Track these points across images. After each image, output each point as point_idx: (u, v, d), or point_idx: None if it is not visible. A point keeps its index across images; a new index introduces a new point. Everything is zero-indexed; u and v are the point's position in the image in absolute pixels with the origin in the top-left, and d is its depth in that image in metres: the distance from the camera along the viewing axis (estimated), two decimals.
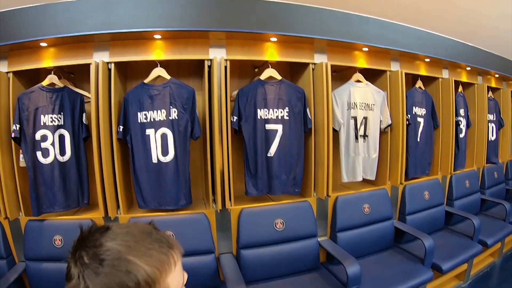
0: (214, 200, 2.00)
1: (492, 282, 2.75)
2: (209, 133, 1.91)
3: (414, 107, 2.63)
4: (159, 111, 1.82)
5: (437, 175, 2.85)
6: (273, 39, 2.12)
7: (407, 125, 2.58)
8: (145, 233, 0.48)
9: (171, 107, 1.82)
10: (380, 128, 2.45)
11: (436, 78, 2.79)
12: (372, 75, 2.53)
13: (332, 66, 2.15)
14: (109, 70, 1.78)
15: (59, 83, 1.88)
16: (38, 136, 1.82)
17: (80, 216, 1.90)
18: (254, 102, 2.03)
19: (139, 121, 1.83)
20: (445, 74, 2.91)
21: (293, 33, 2.07)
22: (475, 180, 3.15)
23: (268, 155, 2.10)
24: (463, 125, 3.04)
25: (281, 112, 2.08)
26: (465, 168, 3.16)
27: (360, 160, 2.38)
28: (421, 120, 2.68)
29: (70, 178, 1.89)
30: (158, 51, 1.99)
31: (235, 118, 1.98)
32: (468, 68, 3.03)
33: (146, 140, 1.82)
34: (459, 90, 3.02)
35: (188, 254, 1.38)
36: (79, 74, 2.01)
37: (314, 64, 2.14)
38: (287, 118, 2.09)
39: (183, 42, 2.01)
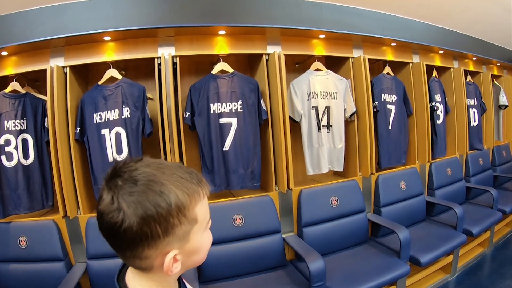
0: None
1: (482, 273, 2.46)
2: (161, 131, 1.82)
3: (383, 94, 2.42)
4: (112, 110, 1.78)
5: (414, 164, 2.60)
6: (222, 32, 2.01)
7: (375, 113, 2.36)
8: (177, 165, 0.47)
9: (123, 106, 1.78)
10: (344, 117, 2.23)
11: (406, 63, 2.57)
12: (335, 64, 2.34)
13: (290, 56, 2.05)
14: (65, 74, 1.75)
15: (21, 90, 1.85)
16: (1, 140, 1.80)
17: (43, 217, 1.83)
18: (206, 96, 1.92)
19: (94, 121, 1.79)
20: (415, 58, 2.69)
21: (241, 24, 1.93)
22: (457, 167, 2.88)
23: (224, 149, 1.97)
24: (440, 111, 2.80)
25: (235, 105, 1.96)
26: (446, 156, 2.90)
27: (325, 151, 2.18)
28: (391, 107, 2.46)
29: (34, 181, 1.86)
30: (109, 52, 1.93)
31: (188, 114, 1.89)
32: (441, 52, 2.80)
33: (101, 140, 1.79)
34: (433, 75, 2.79)
35: None
36: (44, 81, 1.92)
37: (268, 54, 2.00)
38: (241, 110, 1.96)
39: (133, 42, 1.95)
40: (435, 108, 2.68)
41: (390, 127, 2.45)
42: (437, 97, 2.79)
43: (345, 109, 2.25)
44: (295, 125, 2.18)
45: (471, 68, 3.18)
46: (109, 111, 1.78)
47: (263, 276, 1.89)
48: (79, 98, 1.84)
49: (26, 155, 1.83)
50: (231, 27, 1.94)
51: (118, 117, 1.78)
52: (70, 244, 1.80)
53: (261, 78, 2.02)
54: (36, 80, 2.00)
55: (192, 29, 1.89)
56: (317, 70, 2.20)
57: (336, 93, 2.21)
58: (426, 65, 2.73)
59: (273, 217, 2.01)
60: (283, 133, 1.98)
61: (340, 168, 2.23)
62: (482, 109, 3.22)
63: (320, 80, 2.19)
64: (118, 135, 1.79)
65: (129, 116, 1.79)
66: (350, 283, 1.75)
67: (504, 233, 2.95)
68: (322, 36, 2.17)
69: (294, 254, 2.06)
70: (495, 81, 3.44)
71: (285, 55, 2.02)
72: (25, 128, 1.83)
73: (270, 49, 2.09)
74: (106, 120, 1.78)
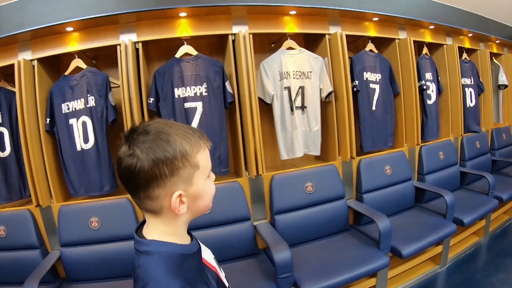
0: None
1: (475, 265, 2.22)
2: (125, 118, 1.73)
3: (365, 73, 2.18)
4: (78, 100, 1.74)
5: (402, 147, 2.36)
6: (183, 13, 1.84)
7: (356, 93, 2.12)
8: (182, 124, 0.53)
9: (88, 95, 1.73)
10: (320, 97, 2.01)
11: (392, 40, 2.30)
12: (313, 42, 2.11)
13: (265, 35, 1.92)
14: (33, 67, 1.70)
15: None
16: None
17: (20, 207, 1.80)
18: (171, 81, 1.81)
19: (63, 112, 1.75)
20: (402, 34, 2.40)
21: (203, 4, 1.75)
22: (451, 151, 2.61)
23: None
24: (432, 91, 2.53)
25: (199, 88, 1.83)
26: (438, 139, 2.63)
27: (299, 134, 1.97)
28: (375, 86, 2.22)
29: (11, 172, 1.84)
30: (73, 43, 1.86)
31: (152, 99, 1.78)
32: (432, 27, 2.50)
33: (70, 129, 1.75)
34: (424, 52, 2.50)
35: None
36: None
37: (234, 34, 1.83)
38: (206, 94, 1.83)
39: (95, 31, 1.86)
40: (424, 87, 2.41)
41: (373, 108, 2.21)
42: (428, 75, 2.52)
43: (321, 89, 2.02)
44: (269, 108, 1.99)
45: (467, 45, 2.86)
46: (75, 101, 1.73)
47: (232, 264, 1.76)
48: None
49: (2, 148, 1.82)
50: (192, 8, 1.78)
51: (83, 106, 1.73)
52: (45, 233, 1.76)
53: (227, 59, 1.87)
54: (12, 74, 1.89)
55: (152, 13, 1.77)
56: (290, 48, 1.99)
57: (310, 72, 1.99)
58: (416, 41, 2.46)
59: (242, 204, 1.86)
60: (250, 116, 1.82)
61: (316, 152, 2.02)
62: (479, 89, 2.91)
63: (293, 59, 1.97)
64: (84, 124, 1.75)
65: (94, 104, 1.74)
66: (322, 274, 1.58)
67: (502, 222, 2.66)
68: (292, 12, 1.94)
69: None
70: (494, 60, 3.10)
71: (256, 34, 1.87)
72: (0, 121, 1.80)
73: (236, 29, 1.89)
74: (73, 109, 1.73)
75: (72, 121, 1.74)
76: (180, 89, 1.81)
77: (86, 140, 1.76)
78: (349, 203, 2.09)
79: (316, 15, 2.03)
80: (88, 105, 1.74)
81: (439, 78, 2.64)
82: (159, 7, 1.72)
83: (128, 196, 1.64)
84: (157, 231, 0.52)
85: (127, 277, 1.56)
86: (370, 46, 2.23)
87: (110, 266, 1.67)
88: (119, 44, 1.72)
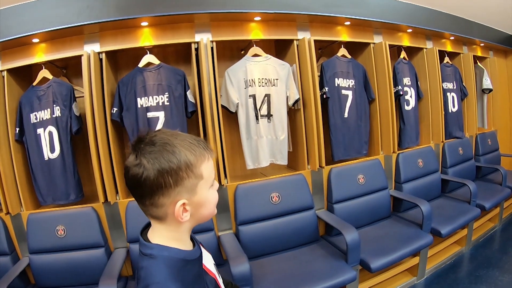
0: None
1: (456, 275, 2.07)
2: (92, 128, 1.70)
3: (336, 79, 2.05)
4: (45, 110, 1.72)
5: (378, 155, 2.22)
6: (144, 23, 1.78)
7: (325, 99, 2.00)
8: (188, 135, 0.54)
9: (54, 105, 1.72)
10: (287, 105, 1.90)
11: (366, 44, 2.17)
12: (283, 48, 2.00)
13: (235, 42, 1.85)
14: (3, 77, 1.70)
15: None
16: None
17: None
18: (134, 91, 1.75)
19: (31, 121, 1.73)
20: (378, 38, 2.27)
21: (166, 13, 1.68)
22: (431, 158, 2.46)
23: None
24: (410, 96, 2.38)
25: (161, 98, 1.76)
26: (419, 145, 2.48)
27: (264, 143, 1.87)
28: (348, 92, 2.09)
29: None
30: (40, 54, 1.85)
31: (115, 109, 1.74)
32: (409, 30, 2.36)
33: (38, 139, 1.72)
34: (401, 56, 2.36)
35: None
36: None
37: (196, 42, 1.76)
38: (168, 103, 1.76)
39: (60, 42, 1.86)
40: (401, 93, 2.26)
41: (346, 115, 2.09)
42: (406, 80, 2.38)
43: (287, 97, 1.91)
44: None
45: (449, 48, 2.71)
46: (42, 111, 1.72)
47: None
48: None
49: None
50: (154, 17, 1.73)
51: (50, 116, 1.71)
52: (16, 240, 1.75)
53: (189, 67, 1.81)
54: None
55: (114, 23, 1.73)
56: (256, 55, 1.89)
57: (277, 79, 1.88)
58: (394, 45, 2.33)
59: None
60: (211, 125, 1.75)
61: (283, 161, 1.91)
62: (463, 94, 2.75)
63: (258, 66, 1.87)
64: (50, 134, 1.72)
65: (59, 114, 1.71)
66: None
67: (486, 230, 2.50)
68: (257, 18, 1.83)
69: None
70: (478, 63, 2.93)
71: (224, 42, 1.82)
72: None
73: (199, 37, 1.80)
74: (41, 119, 1.71)
75: (40, 130, 1.72)
76: (142, 98, 1.75)
77: (52, 149, 1.73)
78: (319, 213, 1.98)
79: (283, 21, 1.93)
80: (54, 115, 1.72)
81: (418, 83, 2.49)
82: (120, 18, 1.68)
83: (93, 205, 1.71)
84: (161, 236, 0.53)
85: (94, 284, 1.48)
86: (342, 51, 2.11)
87: (77, 274, 1.64)
88: (82, 55, 1.68)
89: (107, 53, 1.72)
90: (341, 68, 2.10)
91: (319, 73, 2.04)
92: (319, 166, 1.96)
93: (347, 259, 1.63)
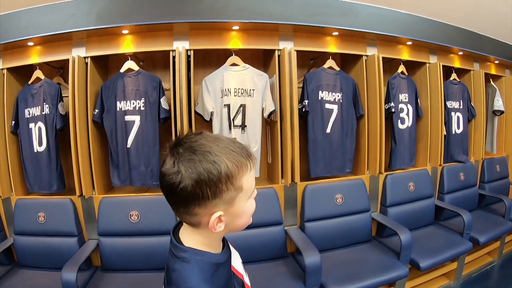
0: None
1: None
2: (73, 126, 1.73)
3: (320, 91, 1.89)
4: (36, 107, 1.79)
5: (363, 175, 2.01)
6: (125, 31, 1.78)
7: (304, 113, 1.83)
8: (230, 139, 0.49)
9: (44, 103, 1.78)
10: (262, 117, 1.76)
11: (359, 57, 1.96)
12: (267, 58, 1.87)
13: (198, 51, 1.76)
14: (3, 75, 1.79)
15: None
16: None
17: None
18: (114, 94, 1.78)
19: (25, 116, 1.80)
20: (372, 51, 2.04)
21: (145, 22, 1.68)
22: (425, 182, 2.19)
23: (127, 146, 1.78)
24: (406, 114, 2.13)
25: (138, 103, 1.77)
26: (414, 167, 2.22)
27: None
28: (333, 107, 1.91)
29: None
30: (34, 56, 1.92)
31: (97, 111, 1.77)
32: (409, 43, 2.10)
33: (29, 132, 1.79)
34: (399, 71, 2.11)
35: None
36: None
37: (174, 51, 1.72)
38: (144, 108, 1.77)
39: (52, 46, 1.87)
40: (393, 110, 2.02)
41: (328, 130, 1.91)
42: (403, 97, 2.13)
43: (263, 108, 1.77)
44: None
45: (457, 64, 2.38)
46: (34, 108, 1.78)
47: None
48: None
49: None
50: (134, 26, 1.72)
51: (40, 113, 1.77)
52: (5, 221, 1.84)
53: (167, 75, 1.77)
54: None
55: (97, 30, 1.74)
56: (234, 64, 1.77)
57: (253, 90, 1.76)
58: (391, 59, 2.09)
59: (171, 218, 1.72)
60: (181, 132, 1.66)
61: (255, 173, 1.77)
62: (470, 114, 2.41)
63: (235, 75, 1.76)
64: (39, 129, 1.79)
65: (48, 112, 1.77)
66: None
67: (479, 266, 2.17)
68: (235, 27, 1.71)
69: None
70: (491, 82, 2.55)
71: (204, 50, 1.80)
72: None
73: (177, 45, 1.72)
74: (33, 115, 1.78)
75: (31, 125, 1.78)
76: (122, 102, 1.77)
77: (40, 143, 1.80)
78: (289, 230, 1.82)
79: (265, 30, 1.78)
80: (43, 112, 1.78)
81: (418, 100, 2.22)
82: (101, 26, 1.70)
83: (71, 197, 1.75)
84: (193, 239, 0.51)
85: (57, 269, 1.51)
86: (330, 62, 1.92)
87: (52, 258, 1.71)
88: (69, 59, 1.71)
89: (94, 57, 1.76)
90: (327, 81, 1.91)
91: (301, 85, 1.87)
92: (292, 181, 1.80)
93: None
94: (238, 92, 1.76)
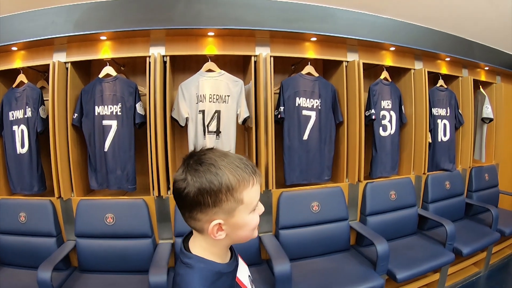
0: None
1: None
2: (52, 130, 1.72)
3: (297, 98, 1.82)
4: (20, 110, 1.80)
5: (342, 183, 1.92)
6: (103, 37, 1.76)
7: (280, 120, 1.77)
8: (238, 156, 0.52)
9: (26, 106, 1.78)
10: (237, 123, 1.71)
11: (339, 63, 1.88)
12: (245, 64, 1.82)
13: (178, 57, 1.77)
14: None
15: None
16: None
17: None
18: (93, 99, 1.77)
19: (9, 119, 1.81)
20: (352, 56, 1.96)
21: (124, 29, 1.67)
22: (407, 191, 2.09)
23: (105, 150, 1.77)
24: (388, 121, 2.04)
25: (115, 108, 1.76)
26: (396, 175, 2.12)
27: None
28: (311, 113, 1.84)
29: None
30: (18, 61, 1.90)
31: (76, 115, 1.77)
32: (392, 49, 2.01)
33: (13, 135, 1.80)
34: (382, 77, 2.02)
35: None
36: None
37: (149, 56, 1.69)
38: (120, 114, 1.76)
39: (35, 51, 1.86)
40: (373, 117, 1.93)
41: (305, 137, 1.84)
42: (385, 103, 2.04)
43: (237, 114, 1.71)
44: None
45: (444, 70, 2.26)
46: (18, 111, 1.79)
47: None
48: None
49: None
50: (111, 32, 1.70)
51: (22, 116, 1.78)
52: None
53: (144, 80, 1.74)
54: None
55: (77, 36, 1.72)
56: (210, 70, 1.72)
57: (228, 96, 1.71)
58: (375, 65, 2.00)
59: (145, 222, 1.72)
60: (154, 137, 1.66)
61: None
62: (458, 122, 2.29)
63: (210, 82, 1.71)
64: (22, 132, 1.79)
65: (30, 115, 1.77)
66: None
67: (464, 277, 2.06)
68: (211, 33, 1.67)
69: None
70: (481, 89, 2.42)
71: (177, 57, 1.77)
72: None
73: (153, 51, 1.69)
74: (16, 118, 1.79)
75: (15, 127, 1.80)
76: (100, 107, 1.76)
77: (22, 145, 1.80)
78: (263, 237, 1.75)
79: (241, 36, 1.73)
80: (26, 116, 1.78)
81: (402, 107, 2.12)
82: (79, 33, 1.68)
83: (51, 198, 1.74)
84: (200, 247, 0.53)
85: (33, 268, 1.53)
86: (308, 68, 1.86)
87: (31, 256, 1.70)
88: (50, 64, 1.70)
89: (75, 62, 1.75)
90: (305, 87, 1.84)
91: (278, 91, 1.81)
92: (266, 188, 1.74)
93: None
94: (213, 98, 1.71)
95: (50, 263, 1.47)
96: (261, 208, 0.55)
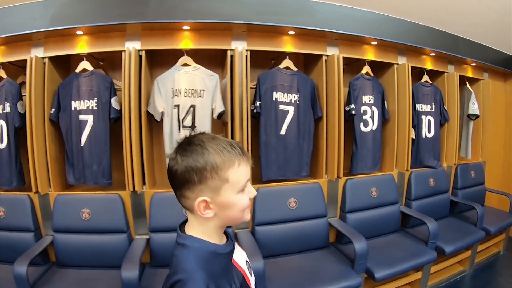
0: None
1: None
2: (30, 124, 1.69)
3: (274, 92, 1.77)
4: None
5: (321, 179, 1.86)
6: (79, 32, 1.73)
7: (256, 114, 1.71)
8: (227, 140, 0.53)
9: (5, 102, 1.74)
10: (212, 117, 1.65)
11: (319, 56, 1.81)
12: (223, 58, 1.78)
13: (155, 51, 1.73)
14: None
15: None
16: None
17: None
18: (70, 94, 1.73)
19: None
20: (332, 50, 1.89)
21: (99, 23, 1.63)
22: (389, 188, 2.02)
23: (81, 145, 1.73)
24: (370, 116, 1.97)
25: (91, 102, 1.72)
26: (378, 172, 2.04)
27: None
28: (288, 108, 1.78)
29: None
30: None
31: (53, 110, 1.73)
32: (374, 43, 1.93)
33: None
34: (364, 72, 1.95)
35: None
36: None
37: (124, 51, 1.65)
38: (96, 108, 1.72)
39: (12, 46, 1.82)
40: (353, 112, 1.86)
41: (282, 132, 1.78)
42: (367, 99, 1.97)
43: (213, 109, 1.65)
44: None
45: (429, 66, 2.17)
46: None
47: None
48: None
49: None
50: (87, 27, 1.67)
51: (1, 112, 1.74)
52: None
53: (119, 75, 1.72)
54: None
55: (55, 31, 1.69)
56: (185, 65, 1.67)
57: (203, 90, 1.66)
58: (356, 59, 1.93)
59: (120, 217, 1.69)
60: (129, 132, 1.62)
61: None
62: (443, 118, 2.20)
63: (186, 76, 1.66)
64: (1, 127, 1.75)
65: (9, 110, 1.73)
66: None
67: (448, 275, 1.98)
68: (186, 27, 1.62)
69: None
70: (468, 85, 2.32)
71: (154, 51, 1.73)
72: None
73: (129, 45, 1.66)
74: None
75: None
76: (76, 102, 1.72)
77: (1, 140, 1.76)
78: (239, 232, 1.69)
79: (217, 30, 1.67)
80: (4, 111, 1.74)
81: (385, 102, 2.05)
82: (55, 27, 1.65)
83: (29, 193, 1.71)
84: (194, 228, 0.54)
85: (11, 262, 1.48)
86: (286, 62, 1.80)
87: (9, 251, 1.66)
88: (28, 59, 1.66)
89: (54, 57, 1.71)
90: (282, 81, 1.78)
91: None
92: None
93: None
94: (189, 93, 1.66)
95: (26, 257, 1.44)
96: (252, 192, 0.55)
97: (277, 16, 1.65)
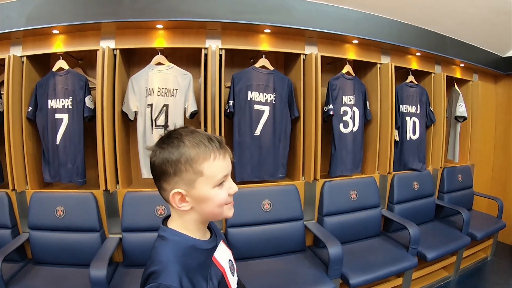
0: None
1: None
2: (7, 123, 1.66)
3: (249, 92, 1.70)
4: None
5: (298, 181, 1.78)
6: (55, 31, 1.70)
7: (229, 114, 1.64)
8: (206, 134, 0.52)
9: None
10: (185, 117, 1.59)
11: (297, 55, 1.73)
12: (196, 57, 1.70)
13: (128, 51, 1.68)
14: None
15: None
16: None
17: None
18: (47, 93, 1.71)
19: None
20: (311, 49, 1.80)
21: (74, 22, 1.60)
22: (370, 191, 1.93)
23: (57, 143, 1.71)
24: (350, 117, 1.87)
25: (67, 101, 1.69)
26: (359, 174, 1.95)
27: None
28: (263, 108, 1.71)
29: None
30: None
31: (30, 108, 1.70)
32: (355, 42, 1.83)
33: None
34: (344, 71, 1.86)
35: None
36: None
37: (97, 50, 1.61)
38: (71, 107, 1.69)
39: None
40: (331, 113, 1.77)
41: (257, 133, 1.71)
42: (347, 99, 1.88)
43: (185, 108, 1.59)
44: None
45: (414, 66, 2.05)
46: None
47: None
48: None
49: None
50: (63, 26, 1.63)
51: None
52: None
53: (98, 74, 1.65)
54: None
55: (32, 30, 1.65)
56: (159, 64, 1.62)
57: (176, 89, 1.60)
58: (337, 59, 1.84)
59: (93, 216, 1.66)
60: (101, 131, 1.59)
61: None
62: (429, 120, 2.08)
63: (159, 75, 1.62)
64: None
65: None
66: None
67: (431, 282, 1.89)
68: (159, 26, 1.57)
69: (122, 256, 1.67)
70: (456, 87, 2.19)
71: (130, 50, 1.68)
72: None
73: (104, 44, 1.62)
74: None
75: None
76: (53, 100, 1.69)
77: None
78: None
79: (191, 28, 1.61)
80: None
81: (367, 103, 1.95)
82: (31, 27, 1.61)
83: (7, 190, 1.69)
84: (174, 222, 0.54)
85: None
86: (262, 61, 1.73)
87: None
88: (6, 58, 1.63)
89: (32, 56, 1.68)
90: (258, 81, 1.71)
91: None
92: None
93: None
94: (162, 92, 1.61)
95: (1, 254, 1.43)
96: (233, 187, 0.54)
97: (253, 15, 1.58)
